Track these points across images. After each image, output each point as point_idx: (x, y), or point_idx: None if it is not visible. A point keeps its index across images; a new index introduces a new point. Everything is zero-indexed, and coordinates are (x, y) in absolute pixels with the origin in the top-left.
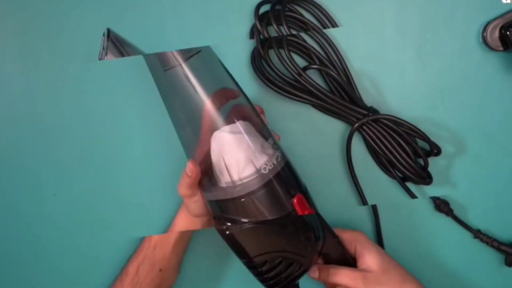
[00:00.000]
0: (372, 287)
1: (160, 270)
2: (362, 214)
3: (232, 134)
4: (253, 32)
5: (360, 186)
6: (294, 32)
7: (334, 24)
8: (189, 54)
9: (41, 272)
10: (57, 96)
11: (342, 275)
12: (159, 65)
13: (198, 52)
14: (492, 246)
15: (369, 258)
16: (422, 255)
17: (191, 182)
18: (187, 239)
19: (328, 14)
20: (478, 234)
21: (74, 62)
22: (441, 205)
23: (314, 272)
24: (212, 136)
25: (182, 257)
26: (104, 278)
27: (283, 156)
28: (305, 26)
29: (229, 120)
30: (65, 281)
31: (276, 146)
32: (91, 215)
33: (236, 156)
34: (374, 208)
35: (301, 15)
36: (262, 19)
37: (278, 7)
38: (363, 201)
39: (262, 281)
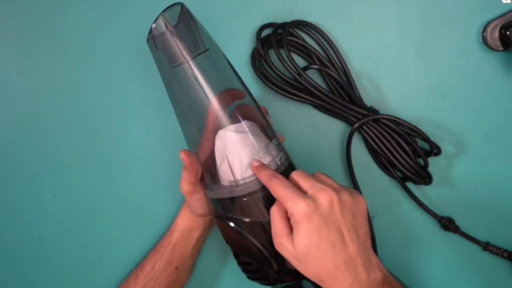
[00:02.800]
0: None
1: (176, 267)
2: None
3: (237, 133)
4: (254, 56)
5: (359, 187)
6: (295, 56)
7: (335, 50)
8: (196, 52)
9: (41, 272)
10: (57, 96)
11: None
12: (166, 62)
13: (205, 51)
14: (503, 256)
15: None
16: (419, 263)
17: (191, 176)
18: (204, 239)
19: (330, 39)
20: (487, 246)
21: (74, 62)
22: (447, 224)
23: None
24: (216, 135)
25: (197, 257)
26: (104, 278)
27: (287, 157)
28: (306, 51)
29: (234, 119)
30: (65, 281)
31: (280, 147)
32: (91, 215)
33: (240, 155)
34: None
35: (303, 40)
36: (263, 41)
37: (280, 31)
38: None
39: (261, 279)
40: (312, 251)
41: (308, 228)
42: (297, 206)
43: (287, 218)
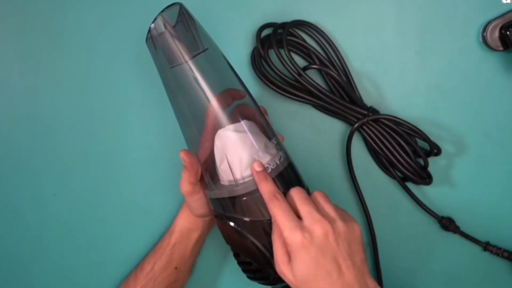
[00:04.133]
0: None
1: (176, 268)
2: (362, 215)
3: (236, 132)
4: (254, 56)
5: (359, 187)
6: (295, 56)
7: (335, 50)
8: (195, 52)
9: (41, 272)
10: (57, 96)
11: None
12: (165, 61)
13: (204, 50)
14: (503, 256)
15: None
16: (421, 262)
17: (191, 176)
18: (204, 239)
19: (330, 39)
20: (487, 246)
21: (74, 62)
22: (447, 224)
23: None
24: (216, 134)
25: (197, 258)
26: (104, 278)
27: (287, 156)
28: (306, 51)
29: (233, 119)
30: (65, 281)
31: (279, 147)
32: (91, 215)
33: (240, 155)
34: (366, 211)
35: (303, 40)
36: (263, 41)
37: (280, 31)
38: (362, 202)
39: (261, 279)
40: (309, 280)
41: (305, 259)
42: (294, 237)
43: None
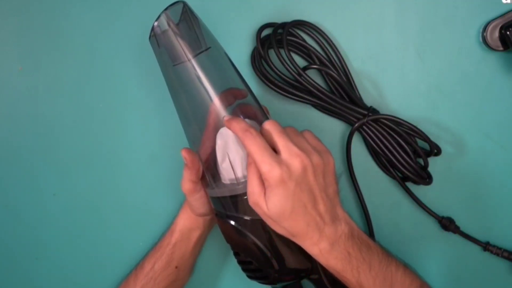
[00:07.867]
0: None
1: (176, 267)
2: (362, 215)
3: None
4: (254, 56)
5: (359, 186)
6: (295, 56)
7: (335, 50)
8: (198, 50)
9: (41, 272)
10: (57, 96)
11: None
12: (168, 60)
13: (207, 49)
14: (503, 256)
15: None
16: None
17: (193, 174)
18: (204, 238)
19: (330, 39)
20: (487, 246)
21: (74, 62)
22: (447, 224)
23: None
24: (218, 133)
25: (198, 257)
26: (104, 278)
27: None
28: (306, 51)
29: None
30: (65, 281)
31: None
32: (91, 215)
33: (241, 153)
34: (365, 211)
35: (303, 40)
36: (263, 41)
37: (280, 31)
38: (362, 202)
39: (261, 278)
40: (286, 213)
41: (283, 194)
42: (272, 172)
43: (261, 177)
